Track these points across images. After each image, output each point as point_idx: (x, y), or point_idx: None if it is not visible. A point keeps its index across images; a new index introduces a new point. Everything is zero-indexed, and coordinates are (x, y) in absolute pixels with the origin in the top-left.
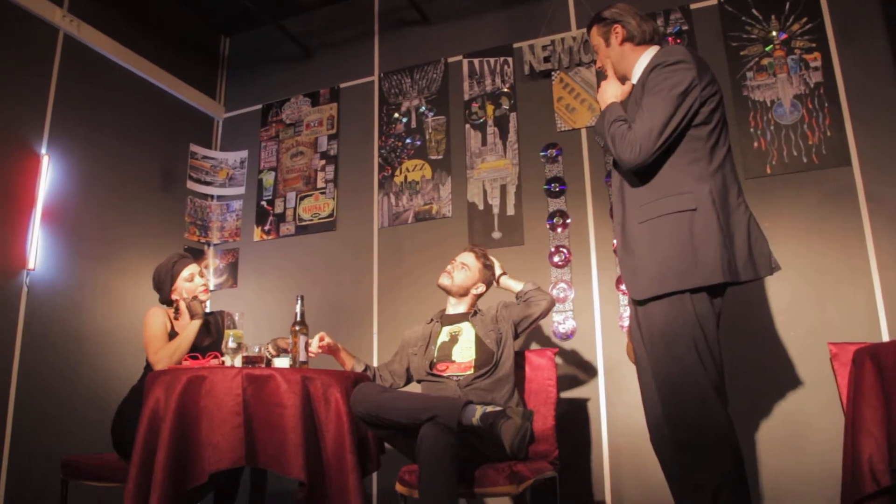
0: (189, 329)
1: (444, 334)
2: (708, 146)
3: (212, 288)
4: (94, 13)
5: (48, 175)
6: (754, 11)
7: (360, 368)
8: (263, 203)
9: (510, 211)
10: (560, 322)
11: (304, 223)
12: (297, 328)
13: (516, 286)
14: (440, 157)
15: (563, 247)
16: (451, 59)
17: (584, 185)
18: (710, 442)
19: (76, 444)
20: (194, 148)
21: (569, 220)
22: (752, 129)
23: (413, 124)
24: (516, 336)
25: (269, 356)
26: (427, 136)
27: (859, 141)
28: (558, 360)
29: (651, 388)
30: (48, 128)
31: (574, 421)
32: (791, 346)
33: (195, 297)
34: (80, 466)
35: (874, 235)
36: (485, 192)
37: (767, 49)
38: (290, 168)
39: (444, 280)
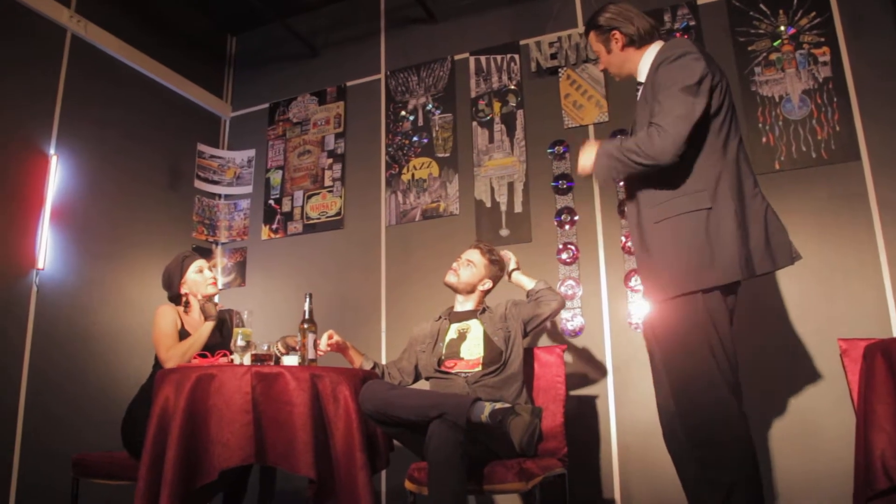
0: (202, 330)
1: (453, 331)
2: (721, 138)
3: (220, 286)
4: (101, 13)
5: (57, 175)
6: (762, 6)
7: (368, 366)
8: (271, 202)
9: (518, 208)
10: (568, 319)
11: (311, 221)
12: (306, 326)
13: (528, 284)
14: (447, 154)
15: (571, 244)
16: (457, 57)
17: (591, 182)
18: (724, 440)
19: (86, 442)
20: (202, 147)
21: (576, 217)
22: (760, 125)
23: (420, 122)
24: (525, 335)
25: (279, 354)
26: (434, 134)
27: (868, 136)
28: (567, 357)
29: (663, 384)
30: (56, 128)
31: (583, 418)
32: (801, 343)
33: (209, 299)
34: (90, 465)
35: (884, 230)
36: (492, 189)
37: (775, 44)
38: (298, 167)
39: (451, 278)
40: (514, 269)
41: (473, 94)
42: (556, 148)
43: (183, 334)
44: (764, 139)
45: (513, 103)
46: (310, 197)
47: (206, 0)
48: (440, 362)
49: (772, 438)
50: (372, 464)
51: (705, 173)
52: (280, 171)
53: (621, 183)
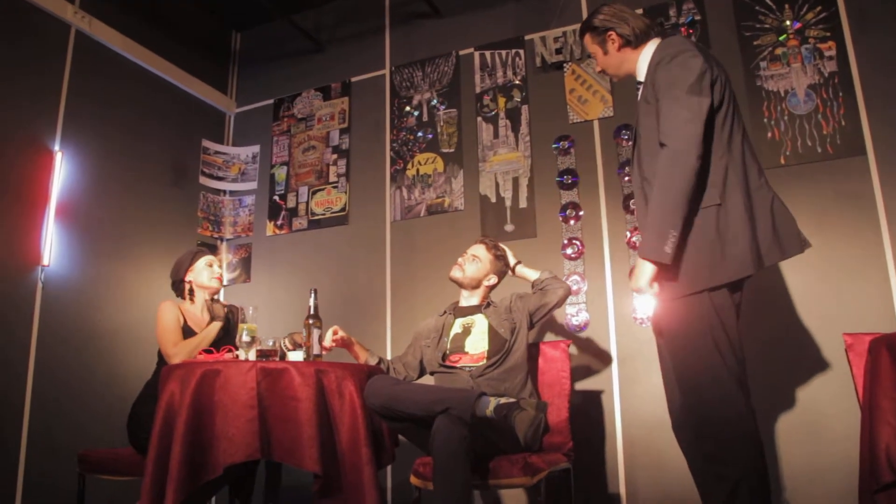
0: (209, 330)
1: (457, 326)
2: (725, 132)
3: (225, 283)
4: (105, 9)
5: (61, 171)
6: (768, 1)
7: (373, 361)
8: (276, 198)
9: (522, 203)
10: (573, 314)
11: (316, 217)
12: (311, 322)
13: (532, 275)
14: (452, 150)
15: (576, 239)
16: (462, 52)
17: (596, 176)
18: (731, 437)
19: (92, 438)
20: (206, 143)
21: (581, 213)
22: (765, 120)
23: (425, 117)
24: (531, 326)
25: (286, 350)
26: (439, 130)
27: (874, 130)
28: (572, 351)
29: (672, 376)
30: (61, 124)
31: (588, 412)
32: (806, 337)
33: (216, 301)
34: (96, 460)
35: (889, 225)
36: (497, 184)
37: (781, 38)
38: (302, 162)
39: (456, 273)
40: (516, 263)
41: (478, 90)
42: (561, 143)
43: (186, 329)
44: (769, 134)
45: (517, 98)
46: (314, 193)
47: None
48: (445, 357)
49: (777, 432)
50: (377, 459)
51: (713, 169)
52: (285, 167)
53: (626, 178)
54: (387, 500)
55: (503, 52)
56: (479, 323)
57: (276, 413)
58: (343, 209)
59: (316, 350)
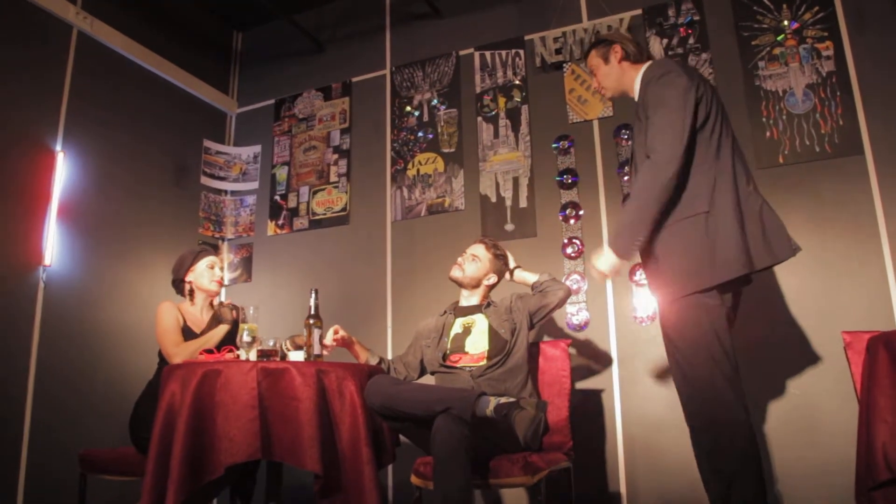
0: (215, 332)
1: (458, 326)
2: (713, 145)
3: (226, 283)
4: (107, 10)
5: (63, 171)
6: (766, 1)
7: (374, 361)
8: (277, 198)
9: (523, 203)
10: (573, 313)
11: (317, 217)
12: (312, 322)
13: (531, 278)
14: (452, 150)
15: (576, 238)
16: (462, 52)
17: (596, 176)
18: (726, 435)
19: (93, 437)
20: (208, 143)
21: (581, 212)
22: (764, 119)
23: (425, 117)
24: (531, 327)
25: (286, 352)
26: (439, 130)
27: (872, 130)
28: (572, 351)
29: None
30: (63, 124)
31: (588, 412)
32: (805, 335)
33: (223, 304)
34: (97, 460)
35: (887, 224)
36: (497, 184)
37: (779, 38)
38: (303, 162)
39: (456, 273)
40: (515, 267)
41: (478, 90)
42: (561, 143)
43: (185, 330)
44: (768, 133)
45: (518, 98)
46: (315, 192)
47: None
48: (445, 357)
49: (774, 429)
50: (378, 458)
51: (700, 180)
52: (286, 167)
53: (626, 178)
54: (387, 500)
55: (503, 53)
56: (480, 323)
57: (276, 413)
58: (344, 209)
59: (316, 350)
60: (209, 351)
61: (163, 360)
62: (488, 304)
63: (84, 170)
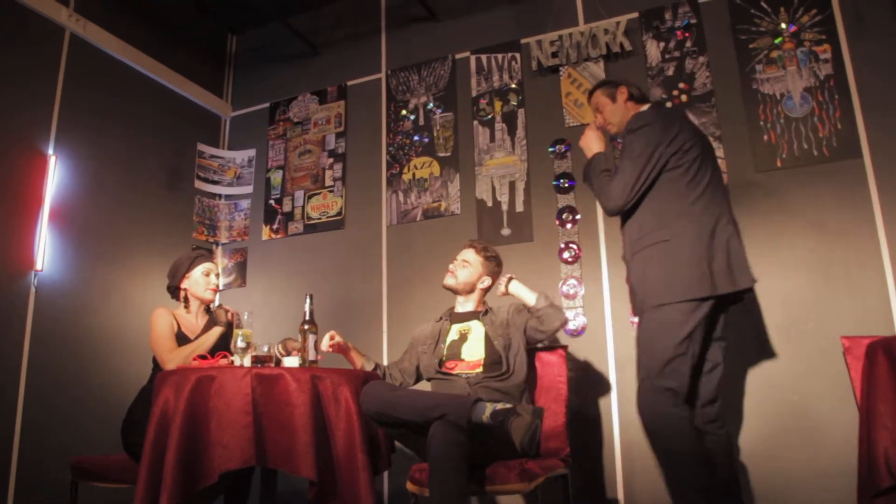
0: (210, 334)
1: (454, 332)
2: (683, 184)
3: (221, 287)
4: (100, 12)
5: (55, 175)
6: (763, 4)
7: (369, 367)
8: (271, 202)
9: (519, 207)
10: (571, 319)
11: (312, 222)
12: (307, 327)
13: (529, 298)
14: (448, 154)
15: (573, 243)
16: (458, 56)
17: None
18: (674, 449)
19: (85, 444)
20: (202, 147)
21: (578, 216)
22: (762, 123)
23: (421, 121)
24: (529, 345)
25: (279, 356)
26: (435, 133)
27: (870, 133)
28: (569, 356)
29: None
30: (55, 128)
31: (585, 418)
32: (804, 340)
33: (221, 305)
34: (89, 468)
35: (886, 228)
36: (493, 188)
37: (777, 42)
38: (298, 166)
39: (449, 280)
40: (509, 280)
41: (474, 93)
42: (558, 146)
43: (180, 336)
44: (765, 137)
45: (514, 102)
46: (310, 197)
47: None
48: (441, 363)
49: (774, 435)
50: (373, 465)
51: (665, 213)
52: (281, 171)
53: None
54: None
55: (499, 56)
56: (476, 329)
57: (271, 419)
58: (339, 213)
59: (311, 356)
60: (203, 357)
61: (157, 367)
62: (485, 312)
63: (76, 174)
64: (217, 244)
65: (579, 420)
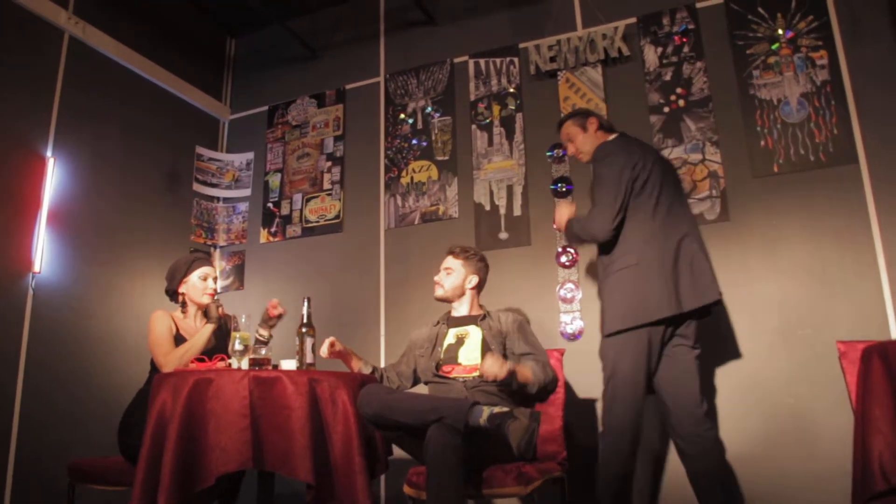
0: (202, 332)
1: (451, 336)
2: (648, 208)
3: (219, 291)
4: (99, 15)
5: (54, 177)
6: (760, 10)
7: (367, 370)
8: (269, 205)
9: (517, 211)
10: (567, 322)
11: (310, 225)
12: (304, 330)
13: (530, 376)
14: (446, 157)
15: (570, 247)
16: (456, 60)
17: (588, 189)
18: (605, 460)
19: (83, 447)
20: (200, 150)
21: None
22: (758, 128)
23: (419, 125)
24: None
25: (259, 336)
26: (433, 137)
27: (866, 139)
28: (566, 360)
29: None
30: (53, 130)
31: (582, 421)
32: (799, 345)
33: (214, 300)
34: (86, 470)
35: (882, 233)
36: (491, 192)
37: (774, 47)
38: (297, 170)
39: (438, 292)
40: (512, 371)
41: (473, 97)
42: (556, 151)
43: (178, 339)
44: (762, 142)
45: (512, 106)
46: (309, 200)
47: (206, 2)
48: (438, 366)
49: (769, 440)
50: (370, 468)
51: (633, 238)
52: (279, 174)
53: None
54: None
55: (497, 60)
56: (473, 334)
57: (268, 422)
58: (337, 217)
59: (309, 359)
60: (201, 359)
61: (154, 369)
62: (483, 317)
63: (75, 176)
64: (215, 247)
65: (576, 423)
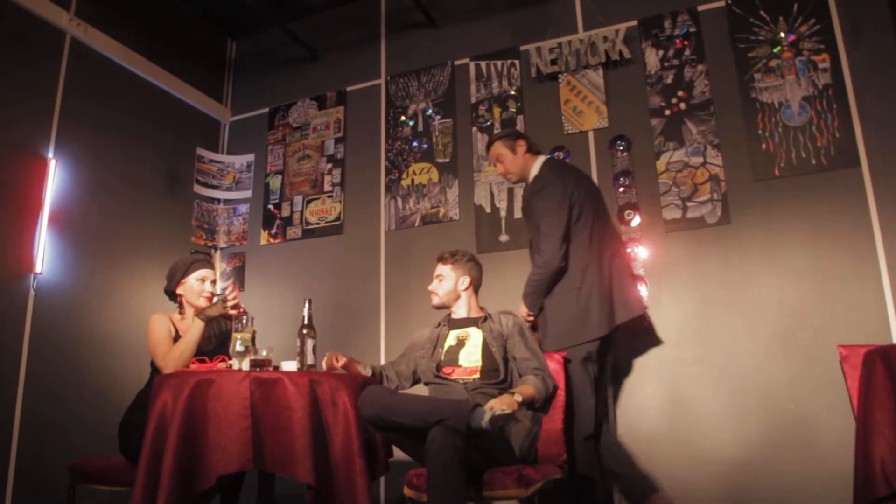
0: (193, 328)
1: (452, 338)
2: (585, 234)
3: (218, 292)
4: (100, 17)
5: (55, 179)
6: (762, 13)
7: (367, 372)
8: (270, 207)
9: (517, 214)
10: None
11: (311, 227)
12: (305, 332)
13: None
14: (447, 160)
15: None
16: (457, 62)
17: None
18: (580, 448)
19: (83, 447)
20: (201, 151)
21: None
22: (760, 131)
23: (420, 127)
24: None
25: (228, 311)
26: (434, 139)
27: (868, 142)
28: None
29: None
30: (55, 131)
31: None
32: (801, 349)
33: (215, 302)
34: (87, 470)
35: (883, 237)
36: (492, 194)
37: (775, 51)
38: (297, 171)
39: (434, 300)
40: (513, 393)
41: (473, 100)
42: (556, 153)
43: (177, 340)
44: (764, 146)
45: (513, 109)
46: (309, 202)
47: (207, 4)
48: (438, 368)
49: (771, 444)
50: (371, 469)
51: (576, 263)
52: (279, 176)
53: (621, 189)
54: None
55: (498, 63)
56: (474, 336)
57: (269, 423)
58: (338, 218)
59: (310, 360)
60: (202, 360)
61: (155, 370)
62: (484, 319)
63: (76, 177)
64: (215, 248)
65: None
